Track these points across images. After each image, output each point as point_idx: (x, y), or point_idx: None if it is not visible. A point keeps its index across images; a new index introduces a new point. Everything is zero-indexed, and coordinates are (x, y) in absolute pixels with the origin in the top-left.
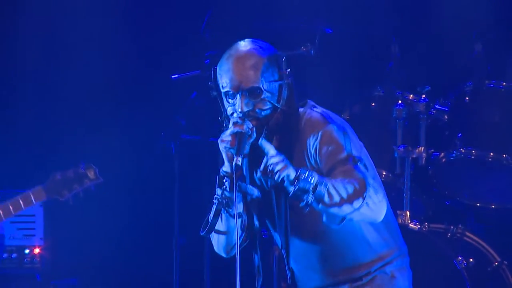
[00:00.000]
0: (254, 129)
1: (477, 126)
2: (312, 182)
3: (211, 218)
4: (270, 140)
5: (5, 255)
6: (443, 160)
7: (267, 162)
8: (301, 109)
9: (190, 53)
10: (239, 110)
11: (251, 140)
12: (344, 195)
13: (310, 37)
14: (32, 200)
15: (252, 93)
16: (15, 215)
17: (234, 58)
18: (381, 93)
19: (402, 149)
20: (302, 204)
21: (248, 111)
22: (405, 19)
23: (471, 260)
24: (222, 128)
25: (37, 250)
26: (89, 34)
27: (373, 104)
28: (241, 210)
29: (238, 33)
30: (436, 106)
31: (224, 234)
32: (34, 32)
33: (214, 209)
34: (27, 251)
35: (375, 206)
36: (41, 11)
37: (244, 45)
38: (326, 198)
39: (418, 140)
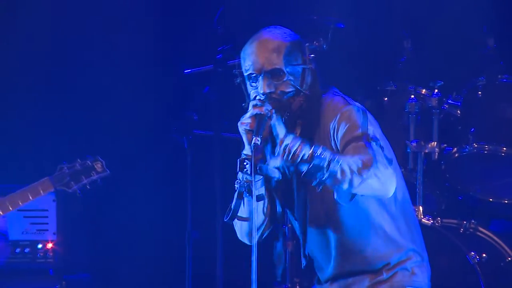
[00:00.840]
0: (274, 111)
1: (489, 121)
2: (325, 158)
3: (233, 203)
4: (292, 124)
5: (17, 250)
6: (456, 155)
7: (283, 144)
8: (323, 95)
9: (203, 47)
10: (261, 91)
11: (271, 122)
12: (354, 168)
13: (323, 31)
14: (39, 191)
15: (275, 75)
16: (23, 207)
17: (257, 42)
18: (393, 88)
19: (415, 144)
20: (315, 182)
21: (270, 92)
22: (418, 14)
23: (484, 255)
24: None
25: (50, 245)
26: (103, 28)
27: (386, 99)
28: (263, 193)
29: (250, 27)
30: (449, 101)
31: (247, 220)
32: (44, 26)
33: (236, 193)
34: (40, 246)
35: (383, 179)
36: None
37: (268, 30)
38: (338, 175)
39: (431, 135)
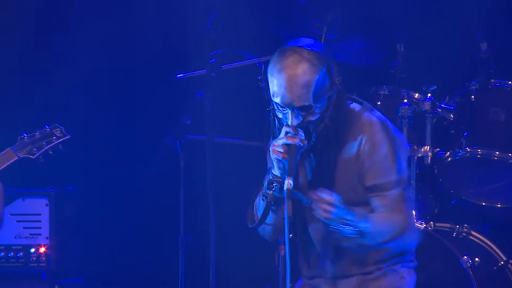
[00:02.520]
0: (306, 141)
1: (482, 125)
2: (355, 229)
3: (259, 212)
4: (319, 146)
5: (10, 254)
6: (449, 159)
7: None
8: (355, 107)
9: (196, 52)
10: (290, 124)
11: (301, 150)
12: (385, 235)
13: (316, 38)
14: (3, 161)
15: (303, 110)
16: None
17: (286, 75)
18: (386, 92)
19: (408, 148)
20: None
21: (297, 124)
22: (411, 18)
23: (476, 259)
24: (270, 125)
25: (42, 249)
26: (95, 33)
27: (379, 103)
28: (291, 214)
29: (243, 31)
30: (442, 105)
31: (272, 225)
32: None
33: (263, 205)
34: (32, 250)
35: (408, 239)
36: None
37: (297, 58)
38: (366, 236)
39: (424, 139)
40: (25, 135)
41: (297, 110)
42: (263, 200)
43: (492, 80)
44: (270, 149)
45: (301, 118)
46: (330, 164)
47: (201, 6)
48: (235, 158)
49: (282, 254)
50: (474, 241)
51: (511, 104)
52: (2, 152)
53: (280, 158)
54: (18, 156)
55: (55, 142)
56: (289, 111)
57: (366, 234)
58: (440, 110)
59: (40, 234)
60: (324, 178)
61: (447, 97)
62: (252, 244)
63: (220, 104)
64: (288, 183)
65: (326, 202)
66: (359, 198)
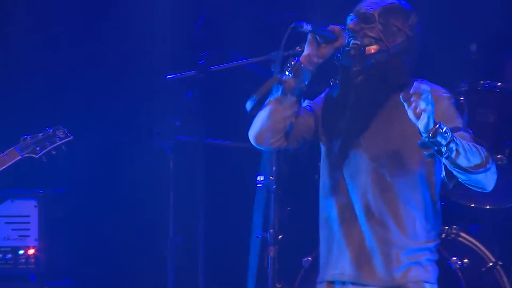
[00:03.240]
0: (363, 48)
1: (471, 126)
2: (447, 137)
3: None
4: (373, 84)
5: None
6: None
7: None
8: (414, 79)
9: (185, 53)
10: (347, 26)
11: (353, 54)
12: (472, 157)
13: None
14: (6, 159)
15: (365, 19)
16: (4, 213)
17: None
18: None
19: None
20: (427, 153)
21: (354, 29)
22: None
23: (465, 260)
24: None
25: (31, 251)
26: (85, 33)
27: None
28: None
29: (232, 33)
30: None
31: (271, 110)
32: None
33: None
34: (21, 252)
35: (492, 176)
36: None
37: None
38: (453, 155)
39: None
40: (27, 136)
41: (362, 16)
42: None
43: (481, 82)
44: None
45: (358, 27)
46: (380, 111)
47: (190, 7)
48: (224, 159)
49: (272, 256)
50: (463, 243)
51: (500, 106)
52: (6, 152)
53: (328, 31)
54: (22, 155)
55: (59, 143)
56: (353, 19)
57: (452, 152)
58: None
59: (29, 236)
60: (373, 120)
61: None
62: (242, 245)
63: (210, 105)
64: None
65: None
66: (412, 159)
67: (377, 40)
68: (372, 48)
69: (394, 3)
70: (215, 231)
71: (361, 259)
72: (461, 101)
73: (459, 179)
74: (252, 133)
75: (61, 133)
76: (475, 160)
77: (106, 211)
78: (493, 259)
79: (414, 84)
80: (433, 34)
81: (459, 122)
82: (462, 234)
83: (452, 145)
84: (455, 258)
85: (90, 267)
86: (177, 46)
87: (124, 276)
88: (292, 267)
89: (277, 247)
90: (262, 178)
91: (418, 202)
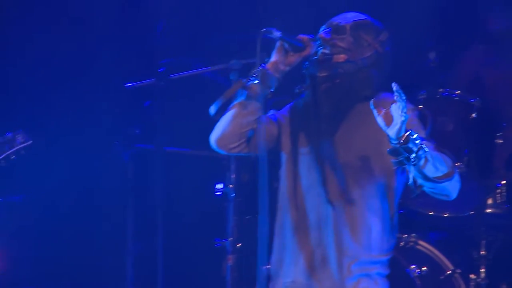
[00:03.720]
0: (330, 57)
1: (430, 135)
2: (418, 144)
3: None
4: (338, 94)
5: None
6: None
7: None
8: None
9: (145, 61)
10: (318, 35)
11: (320, 60)
12: (439, 165)
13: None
14: None
15: (337, 30)
16: None
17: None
18: None
19: None
20: (395, 161)
21: (325, 39)
22: None
23: (424, 268)
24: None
25: None
26: (42, 40)
27: None
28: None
29: (192, 41)
30: None
31: (234, 113)
32: None
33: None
34: None
35: (456, 184)
36: None
37: None
38: (421, 162)
39: None
40: None
41: (334, 28)
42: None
43: (440, 90)
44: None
45: (329, 36)
46: (343, 120)
47: (151, 15)
48: (183, 167)
49: (230, 264)
50: (422, 251)
51: (459, 114)
52: None
53: (298, 40)
54: None
55: (17, 147)
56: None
57: (421, 159)
58: None
59: None
60: (336, 129)
61: None
62: (201, 254)
63: (169, 113)
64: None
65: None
66: (374, 169)
67: (346, 50)
68: (340, 57)
69: (367, 19)
70: (174, 239)
71: (314, 267)
72: (425, 112)
73: (424, 187)
74: (214, 137)
75: (20, 137)
76: (442, 169)
77: (65, 219)
78: (451, 267)
79: (381, 95)
80: (392, 43)
81: (422, 133)
82: (421, 242)
83: (421, 152)
84: (413, 266)
85: (50, 275)
86: (136, 54)
87: (84, 283)
88: (251, 275)
89: (235, 255)
90: (221, 186)
91: (376, 213)
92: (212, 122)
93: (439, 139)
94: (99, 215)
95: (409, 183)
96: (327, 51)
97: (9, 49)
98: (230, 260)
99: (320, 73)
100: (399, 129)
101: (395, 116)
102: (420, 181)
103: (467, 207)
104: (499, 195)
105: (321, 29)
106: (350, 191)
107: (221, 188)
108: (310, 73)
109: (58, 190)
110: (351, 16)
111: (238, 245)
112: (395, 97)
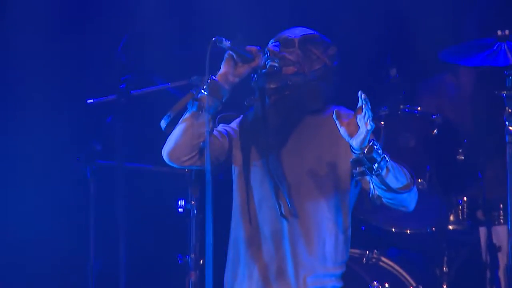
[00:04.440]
0: (279, 69)
1: (392, 151)
2: (380, 154)
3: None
4: (288, 106)
5: None
6: None
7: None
8: (329, 105)
9: (106, 77)
10: (267, 48)
11: (269, 72)
12: (399, 176)
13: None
14: None
15: (286, 43)
16: None
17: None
18: None
19: None
20: (357, 172)
21: (274, 52)
22: None
23: (386, 285)
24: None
25: None
26: (7, 55)
27: None
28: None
29: (154, 57)
30: None
31: (183, 128)
32: None
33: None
34: None
35: (415, 196)
36: None
37: None
38: (383, 172)
39: None
40: None
41: (282, 42)
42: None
43: (402, 106)
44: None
45: (277, 50)
46: (293, 133)
47: (112, 31)
48: (145, 184)
49: (193, 280)
50: (384, 267)
51: (421, 130)
52: None
53: (248, 53)
54: None
55: None
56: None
57: (383, 169)
58: None
59: None
60: (286, 142)
61: None
62: (164, 270)
63: (130, 129)
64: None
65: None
66: (327, 182)
67: (294, 63)
68: (289, 69)
69: (315, 34)
70: (137, 255)
71: (269, 280)
72: (379, 125)
73: (383, 199)
74: (165, 149)
75: None
76: (402, 180)
77: (26, 237)
78: (413, 284)
79: (331, 107)
80: (354, 58)
81: None
82: (383, 259)
83: (383, 162)
84: (375, 283)
85: None
86: (97, 69)
87: None
88: None
89: (198, 272)
90: (183, 203)
91: (329, 225)
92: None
93: (401, 155)
94: (60, 231)
95: (370, 194)
96: (275, 64)
97: None
98: (193, 276)
99: (269, 85)
100: (364, 139)
101: (360, 125)
102: (379, 191)
103: (429, 223)
104: (460, 211)
105: (270, 43)
106: (303, 205)
107: (183, 205)
108: (259, 86)
109: (19, 206)
110: (300, 30)
111: (200, 261)
112: (362, 105)
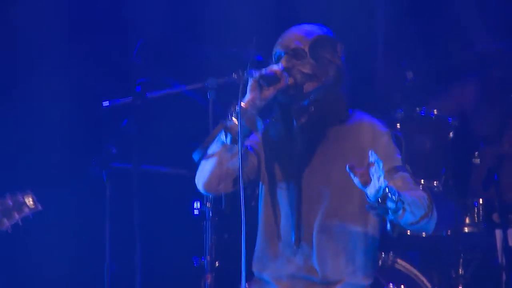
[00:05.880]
0: (294, 85)
1: (408, 153)
2: (395, 199)
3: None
4: (313, 121)
5: None
6: None
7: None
8: (350, 110)
9: (122, 80)
10: (281, 65)
11: (288, 97)
12: (416, 211)
13: (242, 64)
14: None
15: (297, 54)
16: None
17: (294, 27)
18: None
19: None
20: (375, 213)
21: (288, 67)
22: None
23: (402, 287)
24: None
25: None
26: (23, 59)
27: None
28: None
29: (169, 60)
30: None
31: (215, 162)
32: None
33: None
34: None
35: (434, 220)
36: None
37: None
38: (399, 213)
39: None
40: None
41: (292, 53)
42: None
43: (418, 109)
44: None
45: (291, 64)
46: (321, 148)
47: (128, 34)
48: (160, 186)
49: (209, 283)
50: (400, 269)
51: (437, 133)
52: None
53: (263, 79)
54: None
55: (26, 214)
56: (283, 56)
57: (399, 211)
58: None
59: None
60: (312, 158)
61: None
62: (179, 272)
63: (146, 132)
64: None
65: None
66: (354, 195)
67: (311, 77)
68: (310, 86)
69: (321, 34)
70: (152, 257)
71: None
72: (399, 135)
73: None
74: (200, 182)
75: (31, 201)
76: (420, 213)
77: (43, 239)
78: (429, 286)
79: (357, 114)
80: (371, 61)
81: (398, 161)
82: (399, 261)
83: (399, 205)
84: (391, 285)
85: None
86: (113, 73)
87: None
88: None
89: (213, 274)
90: (198, 205)
91: (359, 239)
92: (189, 141)
93: (417, 158)
94: (77, 233)
95: (387, 229)
96: (295, 81)
97: None
98: (208, 278)
99: (294, 106)
100: (377, 192)
101: (373, 179)
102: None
103: (444, 226)
104: (476, 214)
105: (277, 53)
106: (330, 221)
107: (199, 207)
108: (281, 105)
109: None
110: (305, 32)
111: (216, 263)
112: (373, 167)
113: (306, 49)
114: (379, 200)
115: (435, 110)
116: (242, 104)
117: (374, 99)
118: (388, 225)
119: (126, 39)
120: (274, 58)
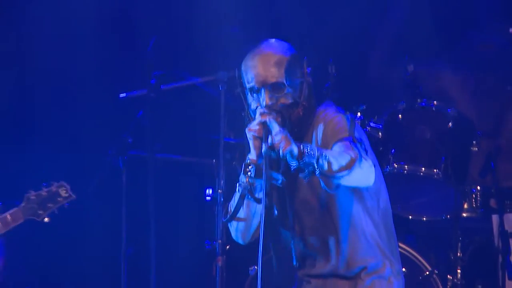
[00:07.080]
0: (282, 124)
1: (409, 143)
2: (314, 155)
3: (234, 204)
4: (290, 133)
5: None
6: None
7: (273, 139)
8: (318, 108)
9: (138, 72)
10: (264, 103)
11: (267, 121)
12: (341, 160)
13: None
14: (9, 221)
15: (276, 88)
16: None
17: (259, 56)
18: None
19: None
20: (303, 175)
21: (272, 104)
22: (341, 42)
23: (403, 269)
24: (245, 123)
25: None
26: (40, 53)
27: None
28: (261, 197)
29: (182, 55)
30: (371, 124)
31: (244, 221)
32: None
33: (238, 195)
34: None
35: (366, 170)
36: None
37: (268, 43)
38: (325, 167)
39: None
40: (31, 192)
41: (270, 88)
42: (238, 190)
43: (418, 100)
44: (247, 131)
45: (274, 99)
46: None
47: (143, 28)
48: (174, 173)
49: (220, 265)
50: (401, 252)
51: (436, 123)
52: (10, 211)
53: (256, 135)
54: (25, 218)
55: (61, 204)
56: (263, 91)
57: (323, 165)
58: (369, 129)
59: None
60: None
61: (376, 116)
62: (192, 256)
63: (160, 123)
64: (266, 145)
65: (281, 136)
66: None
67: (293, 105)
68: (294, 115)
69: (288, 57)
70: (166, 241)
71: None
72: (352, 117)
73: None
74: (235, 236)
75: (64, 191)
76: (346, 159)
77: (61, 225)
78: (429, 268)
79: (323, 105)
80: (373, 56)
81: (345, 134)
82: (400, 245)
83: (321, 159)
84: None
85: (47, 277)
86: (130, 65)
87: (80, 285)
88: (239, 275)
89: (224, 256)
90: (210, 191)
91: (351, 231)
92: (201, 130)
93: (418, 147)
94: (94, 219)
95: (316, 174)
96: (282, 117)
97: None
98: (220, 261)
99: (291, 164)
100: (290, 151)
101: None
102: (335, 180)
103: (444, 211)
104: (474, 200)
105: (254, 88)
106: (320, 221)
107: (211, 194)
108: (271, 158)
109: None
110: (275, 65)
111: (227, 247)
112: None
113: (284, 81)
114: (298, 158)
115: (435, 102)
116: (252, 161)
117: (377, 92)
118: (322, 183)
119: (142, 33)
120: (250, 90)
